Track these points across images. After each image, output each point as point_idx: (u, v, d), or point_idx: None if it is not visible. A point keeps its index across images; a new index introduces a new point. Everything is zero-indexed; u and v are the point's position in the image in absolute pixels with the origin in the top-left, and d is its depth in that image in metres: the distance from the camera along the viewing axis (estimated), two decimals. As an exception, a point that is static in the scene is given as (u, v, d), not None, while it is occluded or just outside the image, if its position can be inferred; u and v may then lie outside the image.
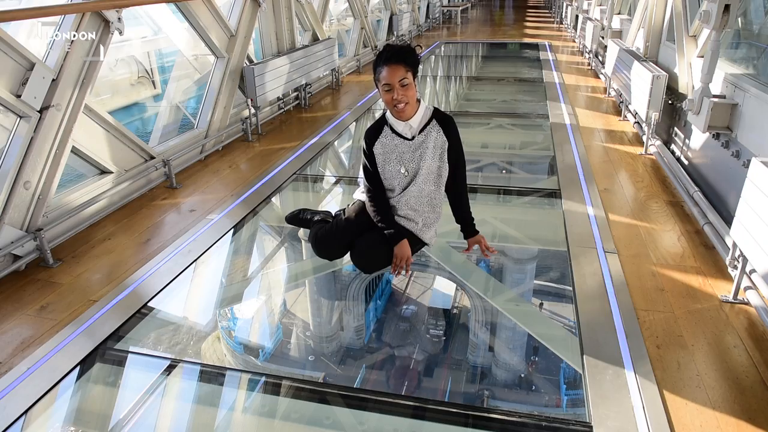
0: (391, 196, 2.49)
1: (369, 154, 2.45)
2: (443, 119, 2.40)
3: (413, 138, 2.37)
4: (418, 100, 2.38)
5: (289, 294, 4.59)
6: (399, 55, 2.22)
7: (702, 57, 4.88)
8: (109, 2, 4.02)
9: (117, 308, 3.20)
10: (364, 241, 2.52)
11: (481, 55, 14.93)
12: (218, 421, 2.88)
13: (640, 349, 2.78)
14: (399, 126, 2.37)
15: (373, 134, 2.44)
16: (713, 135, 4.57)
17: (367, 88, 9.17)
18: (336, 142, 6.54)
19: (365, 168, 2.49)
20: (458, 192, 2.54)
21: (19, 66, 3.60)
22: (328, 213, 2.76)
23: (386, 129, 2.42)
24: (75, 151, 4.19)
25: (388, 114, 2.42)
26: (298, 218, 2.85)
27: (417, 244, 2.59)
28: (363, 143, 2.47)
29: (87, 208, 4.22)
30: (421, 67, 2.42)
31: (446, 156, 2.40)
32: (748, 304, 3.11)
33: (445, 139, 2.38)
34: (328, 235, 2.58)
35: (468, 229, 2.62)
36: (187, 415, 2.89)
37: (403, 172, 2.40)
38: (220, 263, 4.26)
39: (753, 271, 3.07)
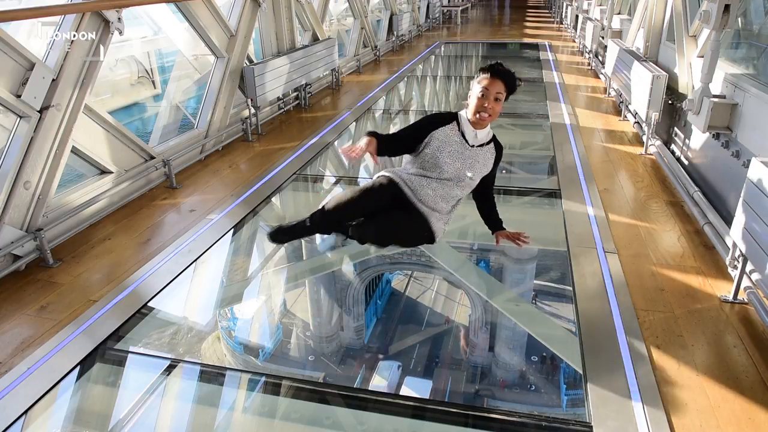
0: (429, 176, 2.48)
1: (423, 126, 2.49)
2: (498, 146, 2.59)
3: (473, 147, 2.48)
4: None
5: (289, 294, 4.59)
6: (505, 75, 2.37)
7: (702, 57, 4.88)
8: (109, 2, 4.02)
9: (117, 308, 3.20)
10: (383, 215, 2.49)
11: (481, 55, 14.91)
12: (218, 421, 2.88)
13: (640, 349, 2.78)
14: (468, 129, 2.47)
15: (440, 120, 2.51)
16: (713, 135, 4.57)
17: (367, 88, 9.17)
18: (336, 142, 6.53)
19: (408, 128, 2.53)
20: (490, 204, 2.76)
21: (19, 66, 3.60)
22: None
23: (455, 124, 2.49)
24: (75, 151, 4.19)
25: (462, 115, 2.50)
26: (283, 232, 2.67)
27: (424, 231, 2.56)
28: (430, 117, 2.54)
29: (87, 208, 4.21)
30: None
31: (483, 175, 2.55)
32: (748, 304, 3.11)
33: (493, 163, 2.56)
34: (347, 201, 2.46)
35: (495, 225, 2.77)
36: (187, 415, 2.89)
37: (450, 163, 2.46)
38: (220, 263, 4.26)
39: (753, 271, 3.07)
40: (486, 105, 2.35)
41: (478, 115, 2.38)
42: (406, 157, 2.58)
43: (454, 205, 2.59)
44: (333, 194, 2.63)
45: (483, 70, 2.40)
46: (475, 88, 2.38)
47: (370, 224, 2.54)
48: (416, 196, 2.49)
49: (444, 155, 2.44)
